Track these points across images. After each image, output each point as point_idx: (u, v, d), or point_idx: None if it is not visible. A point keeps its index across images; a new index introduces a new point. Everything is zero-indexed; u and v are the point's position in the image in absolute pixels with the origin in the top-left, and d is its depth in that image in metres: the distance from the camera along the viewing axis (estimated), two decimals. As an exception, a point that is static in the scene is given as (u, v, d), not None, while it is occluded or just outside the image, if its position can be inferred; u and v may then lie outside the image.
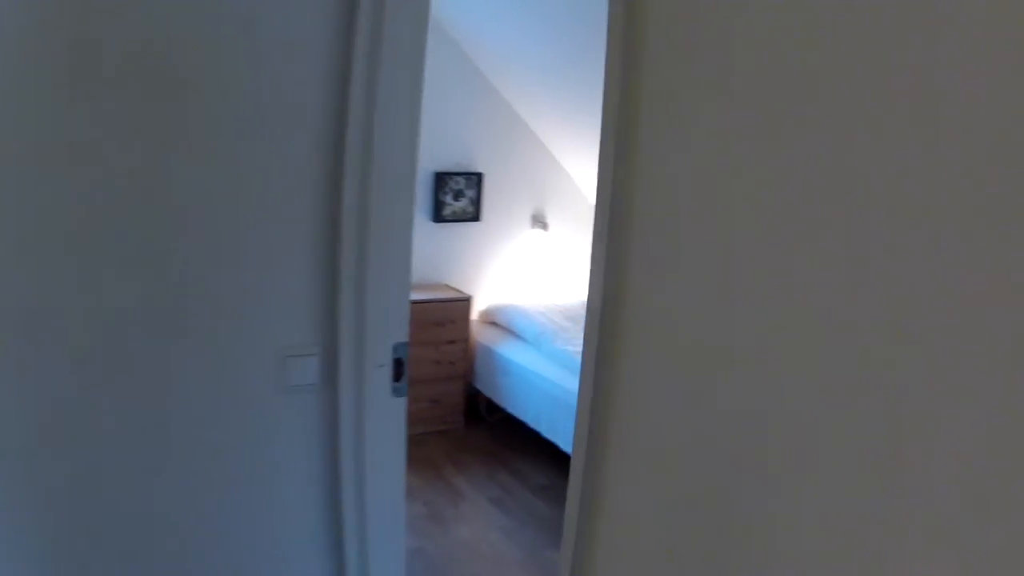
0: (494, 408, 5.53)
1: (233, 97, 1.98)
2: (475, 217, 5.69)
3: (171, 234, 1.96)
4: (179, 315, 2.02)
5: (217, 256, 2.04)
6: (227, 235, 2.04)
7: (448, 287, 5.56)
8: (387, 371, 2.26)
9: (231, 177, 2.01)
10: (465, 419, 5.59)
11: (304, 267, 2.15)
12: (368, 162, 2.08)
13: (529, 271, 6.12)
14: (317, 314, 2.18)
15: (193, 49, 1.91)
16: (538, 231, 6.04)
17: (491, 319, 5.72)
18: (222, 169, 2.00)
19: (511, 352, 5.30)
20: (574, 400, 4.45)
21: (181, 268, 1.99)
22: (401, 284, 2.30)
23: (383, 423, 2.31)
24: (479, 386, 5.58)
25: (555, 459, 4.92)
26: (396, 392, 2.33)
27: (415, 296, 5.04)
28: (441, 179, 5.46)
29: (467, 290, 5.64)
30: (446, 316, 5.28)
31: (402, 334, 2.30)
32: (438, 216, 5.51)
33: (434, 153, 5.31)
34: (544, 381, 4.92)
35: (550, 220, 6.09)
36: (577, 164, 5.99)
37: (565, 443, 4.69)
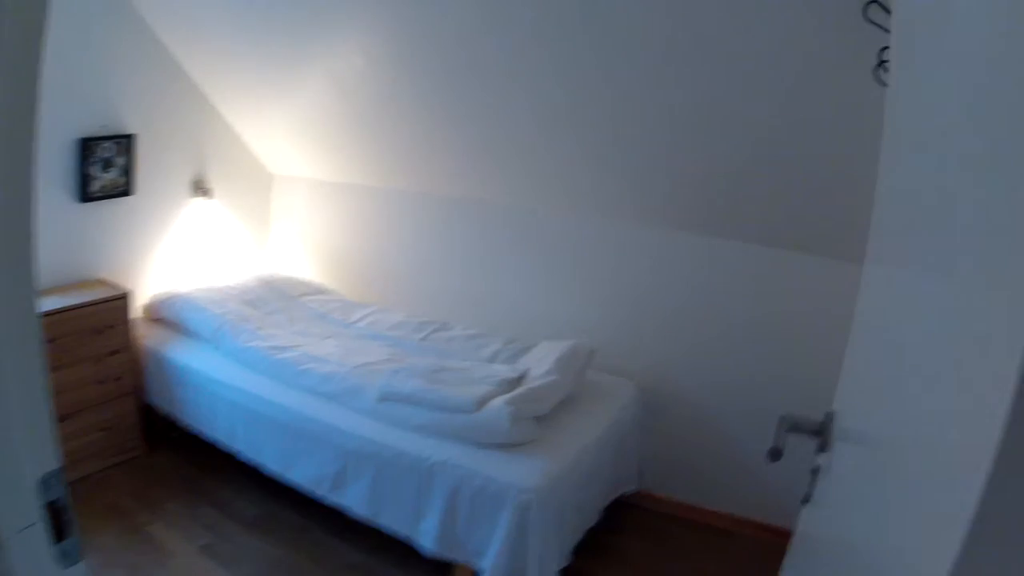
0: (174, 422, 4.45)
1: None
2: (127, 190, 4.49)
3: None
4: None
5: None
6: None
7: (102, 283, 4.37)
8: (39, 531, 1.31)
9: None
10: (146, 443, 4.50)
11: None
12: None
13: (194, 249, 5.05)
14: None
15: None
16: (200, 199, 4.98)
17: (157, 315, 4.61)
18: None
19: (186, 356, 4.29)
20: (272, 411, 3.51)
21: None
22: (29, 368, 1.29)
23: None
24: (154, 401, 4.46)
25: (260, 482, 4.02)
26: (65, 559, 1.37)
27: (62, 301, 3.91)
28: (87, 146, 4.19)
29: (125, 283, 4.47)
30: (103, 321, 4.13)
31: (48, 458, 1.34)
32: (85, 194, 4.26)
33: (74, 113, 4.10)
34: (231, 390, 4.00)
35: (214, 185, 5.04)
36: (245, 117, 4.99)
37: (273, 464, 3.84)
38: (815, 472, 1.78)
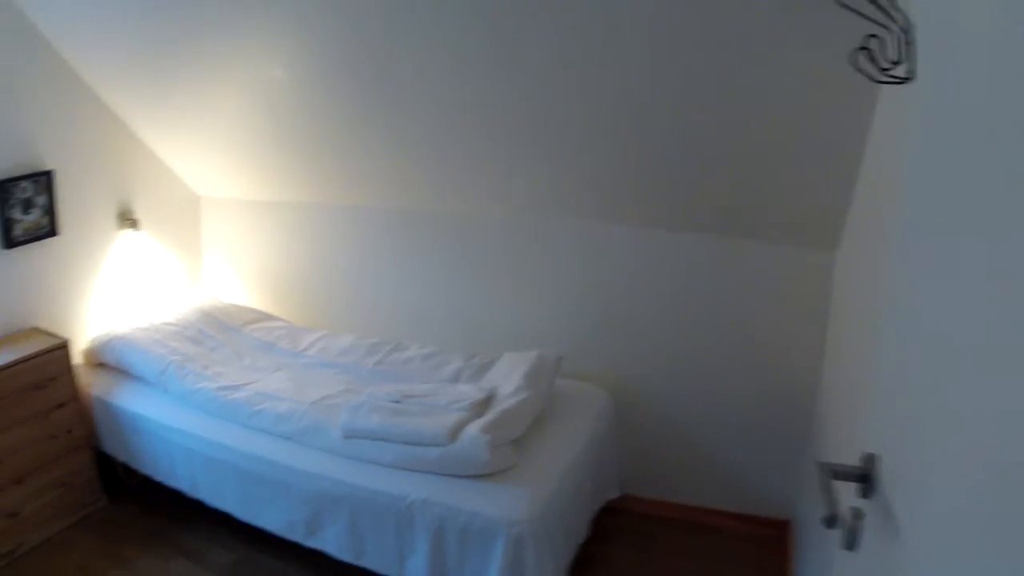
0: (132, 469, 4.01)
1: None
2: (52, 231, 3.99)
3: None
4: None
5: None
6: None
7: (39, 332, 3.89)
8: None
9: None
10: (106, 495, 4.05)
11: None
12: None
13: (128, 285, 4.53)
14: None
15: None
16: (128, 232, 4.46)
17: (99, 359, 4.12)
18: None
19: (134, 402, 3.84)
20: (231, 457, 3.48)
21: None
22: None
23: None
24: (109, 450, 4.00)
25: (233, 525, 3.60)
26: None
27: None
28: (3, 189, 3.68)
29: (62, 330, 3.99)
30: (45, 374, 3.67)
31: None
32: (8, 240, 3.75)
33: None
34: (185, 436, 3.57)
35: (140, 215, 4.51)
36: (166, 140, 4.45)
37: (239, 511, 3.47)
38: (857, 516, 1.57)
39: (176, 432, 3.62)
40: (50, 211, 3.99)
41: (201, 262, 5.14)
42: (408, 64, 3.18)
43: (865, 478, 1.56)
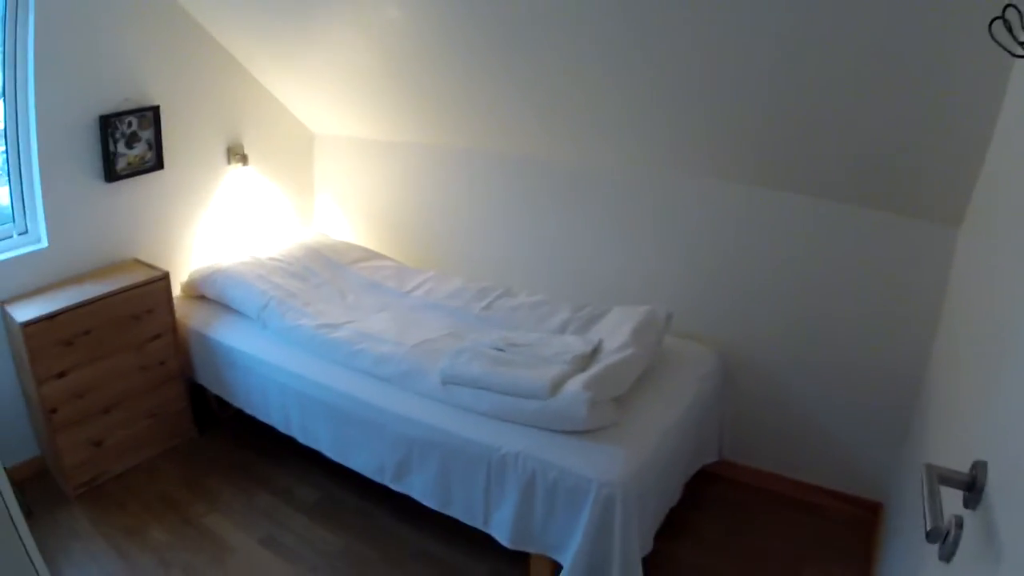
0: (226, 403, 4.03)
1: None
2: (157, 164, 4.00)
3: None
4: None
5: None
6: None
7: (139, 263, 3.93)
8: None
9: None
10: (196, 426, 4.11)
11: None
12: None
13: (234, 220, 4.56)
14: None
15: None
16: (236, 167, 4.47)
17: (198, 291, 4.14)
18: None
19: (232, 336, 3.83)
20: (326, 395, 3.45)
21: None
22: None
23: None
24: (202, 382, 4.03)
25: (321, 462, 3.59)
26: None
27: (97, 289, 3.40)
28: (108, 123, 3.69)
29: (162, 263, 4.02)
30: (142, 305, 3.70)
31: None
32: (112, 173, 3.77)
33: (92, 90, 3.63)
34: (281, 373, 3.55)
35: (249, 151, 4.52)
36: (280, 76, 4.43)
37: (330, 451, 3.44)
38: (959, 525, 1.40)
39: (272, 367, 3.60)
40: (156, 146, 4.00)
41: (313, 200, 5.14)
42: (527, 8, 3.06)
43: (972, 487, 1.39)
